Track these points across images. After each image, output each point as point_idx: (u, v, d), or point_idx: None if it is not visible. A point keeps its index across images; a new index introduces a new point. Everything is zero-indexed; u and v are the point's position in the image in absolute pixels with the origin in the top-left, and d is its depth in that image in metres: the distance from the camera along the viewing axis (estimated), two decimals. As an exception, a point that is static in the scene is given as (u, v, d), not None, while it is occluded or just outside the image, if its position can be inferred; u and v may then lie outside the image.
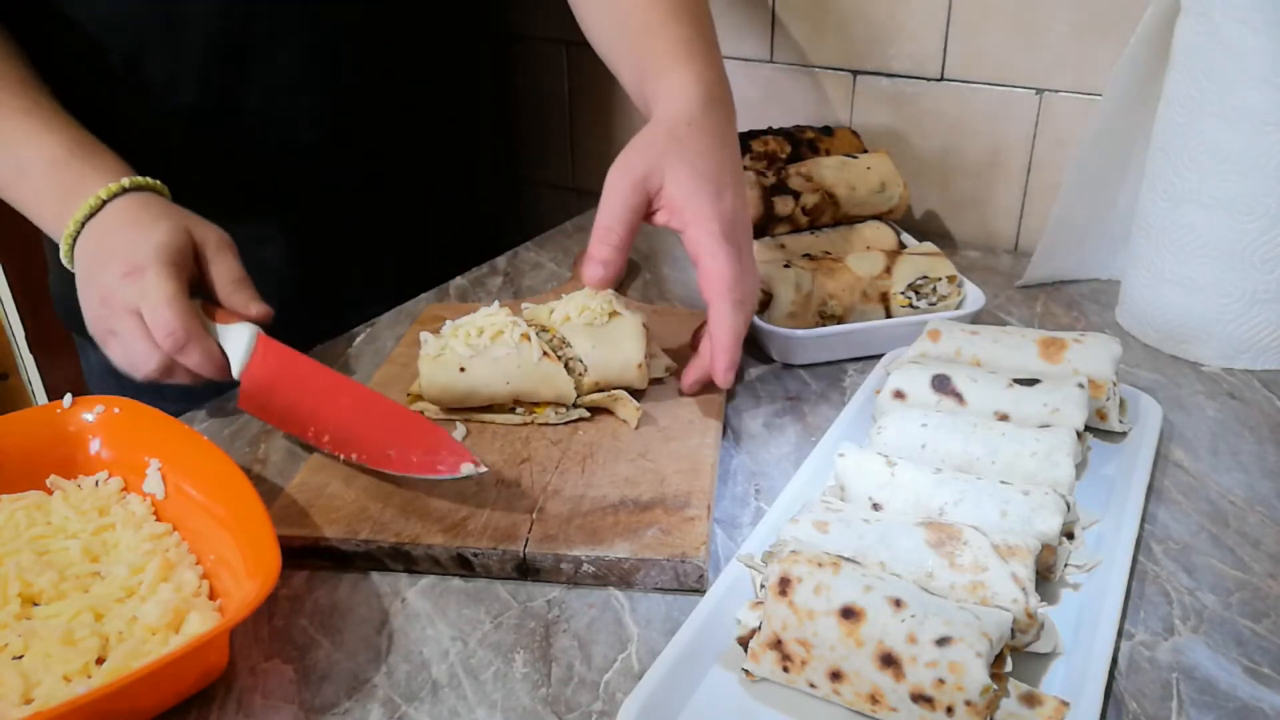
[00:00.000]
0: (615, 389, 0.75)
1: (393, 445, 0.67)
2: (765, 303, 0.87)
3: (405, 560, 0.63)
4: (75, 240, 0.75)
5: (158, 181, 0.78)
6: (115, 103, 0.82)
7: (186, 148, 0.89)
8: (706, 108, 0.74)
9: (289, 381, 0.73)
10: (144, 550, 0.61)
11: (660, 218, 0.73)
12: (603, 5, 0.84)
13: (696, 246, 0.70)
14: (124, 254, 0.72)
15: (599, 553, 0.61)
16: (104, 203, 0.75)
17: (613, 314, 0.76)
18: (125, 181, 0.75)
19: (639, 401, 0.75)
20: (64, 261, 0.77)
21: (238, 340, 0.74)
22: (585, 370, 0.74)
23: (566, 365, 0.74)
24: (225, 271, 0.76)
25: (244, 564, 0.59)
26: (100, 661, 0.54)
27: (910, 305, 0.87)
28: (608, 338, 0.75)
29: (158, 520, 0.65)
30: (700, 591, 0.60)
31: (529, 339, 0.73)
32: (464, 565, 0.62)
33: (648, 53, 0.78)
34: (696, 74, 0.75)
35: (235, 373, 0.74)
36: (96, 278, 0.73)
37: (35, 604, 0.58)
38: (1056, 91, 1.04)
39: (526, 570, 0.62)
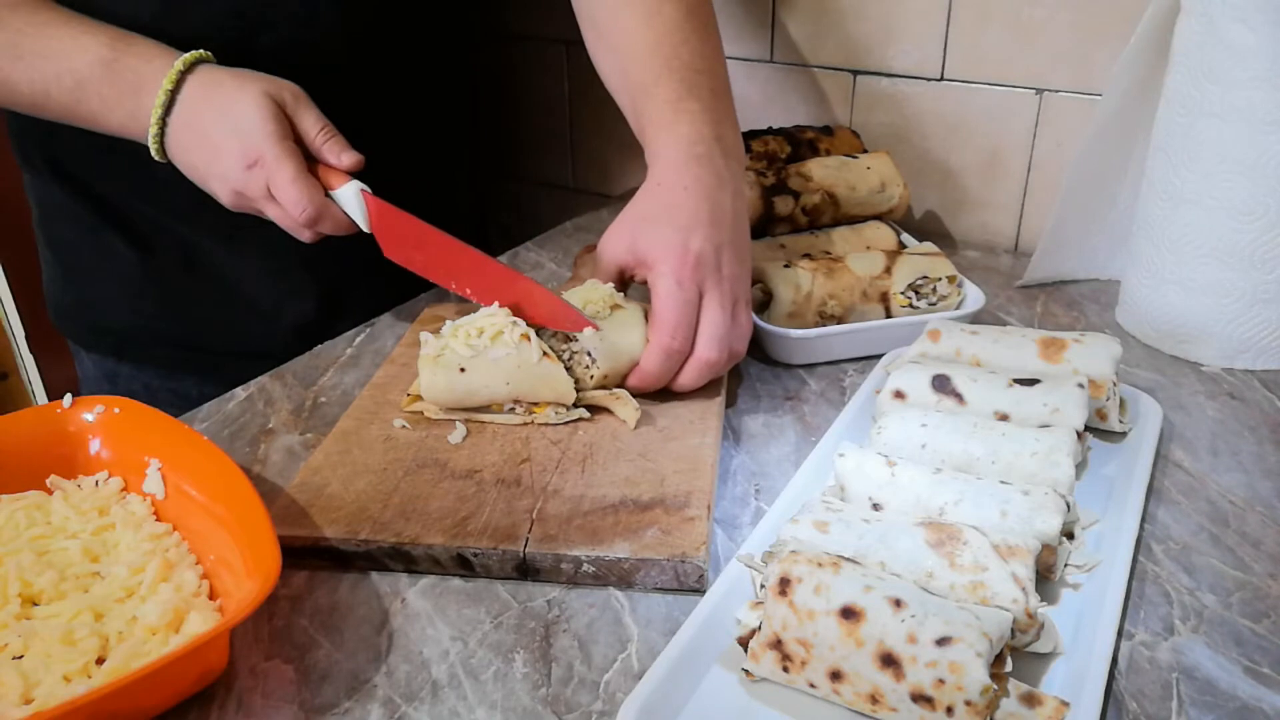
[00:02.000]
0: (625, 379, 0.76)
1: (520, 302, 0.75)
2: (765, 303, 0.87)
3: (405, 560, 0.63)
4: (162, 139, 0.79)
5: (203, 51, 0.80)
6: None
7: None
8: (680, 167, 0.77)
9: (407, 236, 0.80)
10: (144, 550, 0.61)
11: (639, 275, 0.78)
12: (610, 58, 0.87)
13: (652, 288, 0.74)
14: (234, 144, 0.76)
15: (599, 553, 0.61)
16: (172, 94, 0.77)
17: (614, 306, 0.77)
18: (179, 65, 0.78)
19: (638, 400, 0.75)
20: (156, 158, 0.80)
21: (349, 202, 0.80)
22: (594, 362, 0.74)
23: (573, 358, 0.75)
24: (310, 125, 0.79)
25: (244, 564, 0.59)
26: (100, 661, 0.54)
27: (910, 305, 0.87)
28: (613, 328, 0.75)
29: (158, 520, 0.65)
30: (700, 591, 0.60)
31: (529, 339, 0.73)
32: (464, 565, 0.62)
33: (640, 116, 0.82)
34: (676, 137, 0.78)
35: (365, 229, 0.80)
36: (220, 174, 0.78)
37: (35, 604, 0.58)
38: (1056, 91, 1.04)
39: (526, 570, 0.62)
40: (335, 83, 0.91)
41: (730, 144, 0.80)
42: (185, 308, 0.99)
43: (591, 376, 0.75)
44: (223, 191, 0.79)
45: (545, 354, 0.73)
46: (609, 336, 0.75)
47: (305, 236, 0.80)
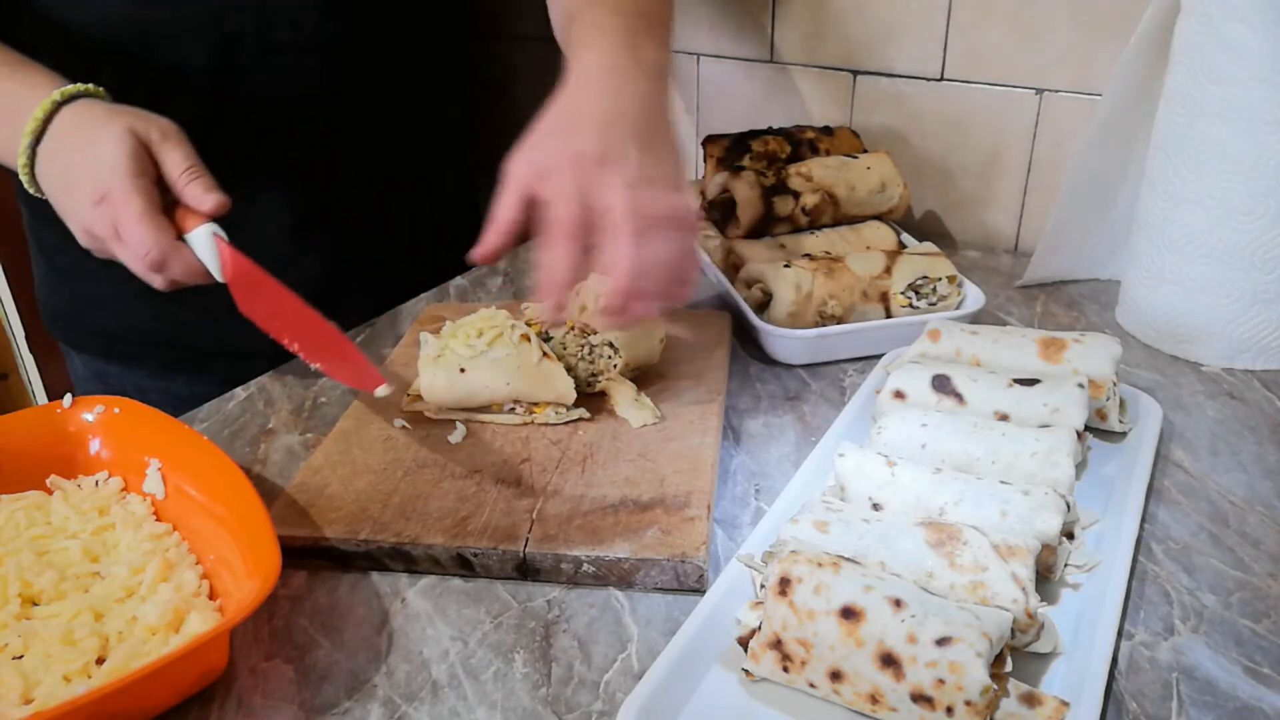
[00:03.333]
0: (641, 362, 0.78)
1: (334, 360, 0.71)
2: (765, 303, 0.87)
3: (405, 560, 0.63)
4: (33, 169, 0.73)
5: (90, 85, 0.75)
6: None
7: None
8: (589, 80, 0.73)
9: (256, 288, 0.73)
10: (144, 550, 0.61)
11: (542, 194, 0.69)
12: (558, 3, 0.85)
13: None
14: (87, 179, 0.70)
15: (599, 553, 0.61)
16: (44, 124, 0.72)
17: None
18: (56, 95, 0.72)
19: (638, 397, 0.75)
20: (30, 190, 0.75)
21: (201, 247, 0.72)
22: (616, 352, 0.76)
23: (593, 351, 0.76)
24: (175, 164, 0.72)
25: (244, 564, 0.59)
26: (100, 661, 0.54)
27: (910, 305, 0.87)
28: None
29: (158, 520, 0.65)
30: (700, 591, 0.60)
31: (529, 340, 0.73)
32: (464, 565, 0.62)
33: (572, 42, 0.78)
34: (598, 50, 0.74)
35: (219, 278, 0.73)
36: (73, 210, 0.72)
37: (35, 604, 0.58)
38: (1056, 91, 1.04)
39: (526, 570, 0.62)
40: (332, 81, 0.91)
41: (650, 63, 0.74)
42: (175, 308, 0.98)
43: (615, 366, 0.76)
44: (77, 229, 0.73)
45: (545, 354, 0.73)
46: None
47: (157, 283, 0.72)
